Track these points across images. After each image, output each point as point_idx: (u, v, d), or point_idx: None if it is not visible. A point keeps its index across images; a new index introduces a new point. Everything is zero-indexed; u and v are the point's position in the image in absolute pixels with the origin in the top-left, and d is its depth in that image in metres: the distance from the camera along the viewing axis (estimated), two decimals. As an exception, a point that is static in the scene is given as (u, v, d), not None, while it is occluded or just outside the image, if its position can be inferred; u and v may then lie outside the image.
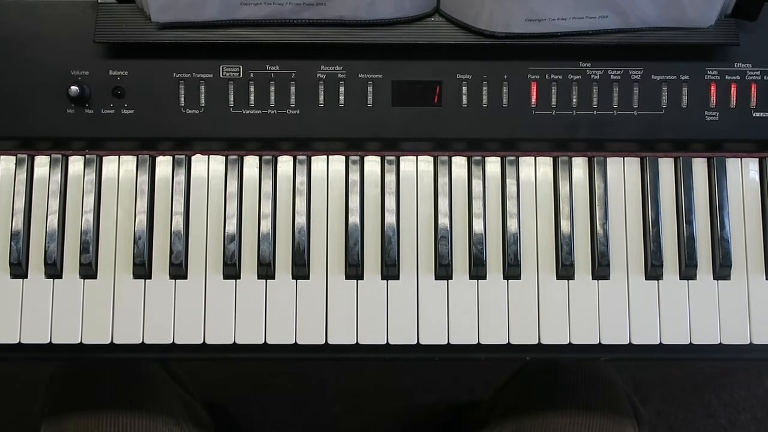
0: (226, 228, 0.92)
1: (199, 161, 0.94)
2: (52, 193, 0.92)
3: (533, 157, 0.94)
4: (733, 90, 0.92)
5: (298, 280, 0.92)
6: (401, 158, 0.94)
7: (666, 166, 0.94)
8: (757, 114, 0.92)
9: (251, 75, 0.92)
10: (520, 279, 0.92)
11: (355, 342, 0.91)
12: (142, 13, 0.90)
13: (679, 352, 0.92)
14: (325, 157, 0.94)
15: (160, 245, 0.92)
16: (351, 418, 1.68)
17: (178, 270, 0.91)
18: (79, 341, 0.90)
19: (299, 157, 0.94)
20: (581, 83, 0.92)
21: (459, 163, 0.94)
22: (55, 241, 0.91)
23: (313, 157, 0.94)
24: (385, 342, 0.91)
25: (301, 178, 0.93)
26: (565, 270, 0.92)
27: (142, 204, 0.92)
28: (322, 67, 0.92)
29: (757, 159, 0.95)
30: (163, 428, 1.02)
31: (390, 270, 0.91)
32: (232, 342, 0.91)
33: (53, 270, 0.91)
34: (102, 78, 0.91)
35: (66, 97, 0.90)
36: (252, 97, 0.92)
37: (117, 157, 0.94)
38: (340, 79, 0.92)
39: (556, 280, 0.92)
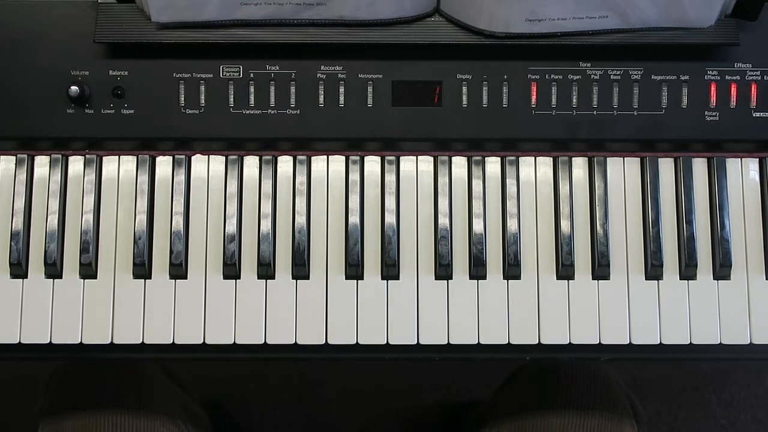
0: (226, 228, 0.92)
1: (199, 161, 0.94)
2: (52, 193, 0.92)
3: (533, 157, 0.94)
4: (733, 90, 0.92)
5: (298, 280, 0.92)
6: (401, 158, 0.94)
7: (666, 166, 0.94)
8: (757, 114, 0.92)
9: (251, 75, 0.92)
10: (520, 279, 0.92)
11: (355, 342, 0.91)
12: (142, 13, 0.90)
13: (679, 352, 0.92)
14: (325, 157, 0.94)
15: (160, 245, 0.92)
16: (351, 418, 1.68)
17: (178, 270, 0.91)
18: (79, 341, 0.90)
19: (299, 157, 0.94)
20: (581, 83, 0.92)
21: (459, 163, 0.94)
22: (55, 241, 0.91)
23: (313, 157, 0.94)
24: (385, 342, 0.91)
25: (301, 178, 0.93)
26: (565, 270, 0.92)
27: (142, 204, 0.92)
28: (322, 67, 0.92)
29: (757, 159, 0.95)
30: (161, 428, 1.02)
31: (390, 270, 0.91)
32: (232, 342, 0.91)
33: (53, 270, 0.91)
34: (102, 78, 0.91)
35: (66, 97, 0.90)
36: (252, 97, 0.92)
37: (117, 157, 0.94)
38: (340, 79, 0.92)
39: (556, 280, 0.92)
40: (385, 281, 0.92)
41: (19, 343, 0.90)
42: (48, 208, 0.92)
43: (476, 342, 0.91)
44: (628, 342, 0.91)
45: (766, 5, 0.90)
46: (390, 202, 0.93)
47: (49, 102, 0.91)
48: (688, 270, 0.92)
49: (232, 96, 0.92)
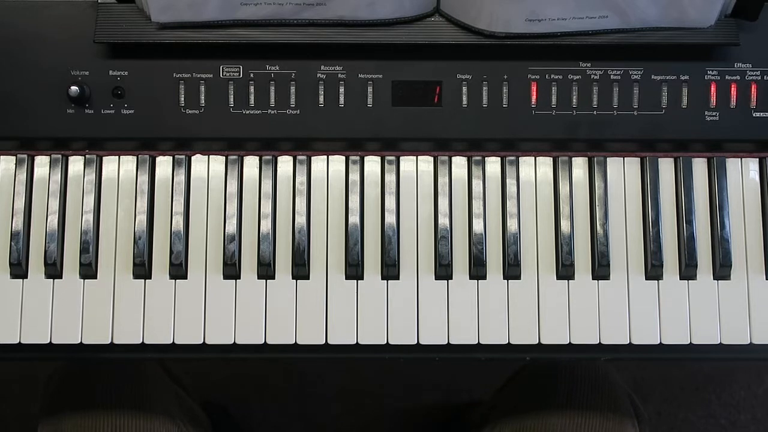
0: (226, 228, 0.92)
1: (199, 161, 0.94)
2: (52, 193, 0.92)
3: (533, 157, 0.94)
4: (733, 90, 0.92)
5: (298, 280, 0.92)
6: (401, 158, 0.94)
7: (666, 166, 0.94)
8: (757, 114, 0.92)
9: (251, 75, 0.92)
10: (520, 279, 0.92)
11: (355, 342, 0.91)
12: (142, 13, 0.90)
13: (679, 352, 0.92)
14: (325, 157, 0.94)
15: (160, 245, 0.92)
16: (351, 418, 1.68)
17: (178, 270, 0.91)
18: (79, 341, 0.90)
19: (299, 157, 0.94)
20: (581, 83, 0.92)
21: (459, 163, 0.94)
22: (55, 241, 0.91)
23: (313, 157, 0.94)
24: (385, 342, 0.91)
25: (301, 178, 0.93)
26: (565, 270, 0.92)
27: (142, 204, 0.92)
28: (322, 67, 0.92)
29: (757, 159, 0.95)
30: (160, 428, 1.02)
31: (390, 270, 0.91)
32: (232, 342, 0.91)
33: (53, 270, 0.91)
34: (102, 78, 0.91)
35: (66, 97, 0.90)
36: (252, 97, 0.92)
37: (117, 157, 0.94)
38: (340, 79, 0.92)
39: (556, 280, 0.92)
40: (385, 281, 0.92)
41: (19, 343, 0.90)
42: (48, 208, 0.92)
43: (476, 342, 0.91)
44: (628, 342, 0.91)
45: (766, 5, 0.90)
46: (390, 202, 0.93)
47: (49, 102, 0.91)
48: (688, 270, 0.92)
49: (232, 96, 0.92)
